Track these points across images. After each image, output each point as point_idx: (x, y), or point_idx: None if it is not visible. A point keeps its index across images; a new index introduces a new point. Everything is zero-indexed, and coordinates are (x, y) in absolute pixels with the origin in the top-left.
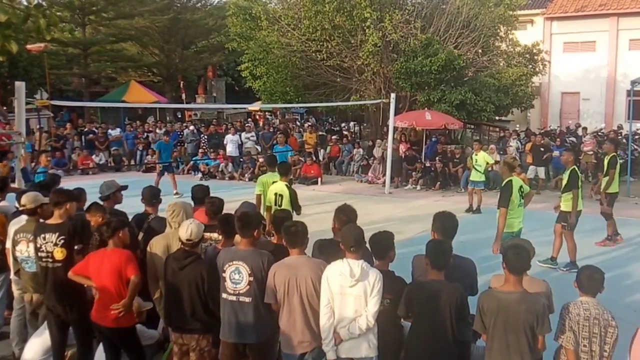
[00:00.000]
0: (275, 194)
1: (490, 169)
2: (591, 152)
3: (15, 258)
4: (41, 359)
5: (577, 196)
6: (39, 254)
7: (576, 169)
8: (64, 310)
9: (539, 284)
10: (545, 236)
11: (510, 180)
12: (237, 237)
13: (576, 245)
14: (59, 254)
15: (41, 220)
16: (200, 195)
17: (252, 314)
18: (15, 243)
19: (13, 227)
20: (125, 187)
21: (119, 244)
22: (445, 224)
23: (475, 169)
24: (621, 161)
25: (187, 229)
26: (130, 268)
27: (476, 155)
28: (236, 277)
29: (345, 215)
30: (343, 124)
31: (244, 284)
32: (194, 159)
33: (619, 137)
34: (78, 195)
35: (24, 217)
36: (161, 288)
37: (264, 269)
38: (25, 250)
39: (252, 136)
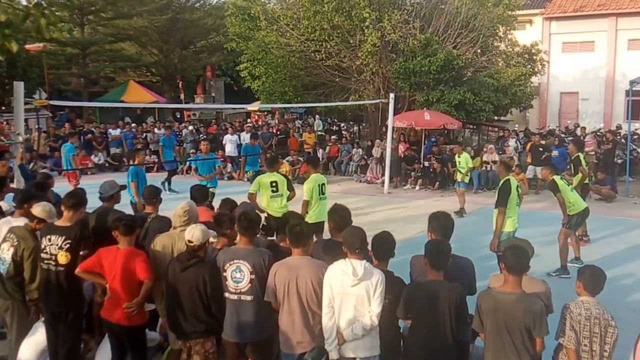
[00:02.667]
0: (319, 184)
1: (489, 168)
2: (592, 152)
3: None
4: None
5: (561, 198)
6: (42, 255)
7: (555, 179)
8: (59, 316)
9: (538, 284)
10: (544, 236)
11: (508, 180)
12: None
13: (569, 249)
14: (63, 258)
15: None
16: (199, 195)
17: (253, 312)
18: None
19: (5, 226)
20: (124, 187)
21: (132, 241)
22: (441, 224)
23: (459, 171)
24: (619, 161)
25: (190, 231)
26: (144, 270)
27: (459, 157)
28: (237, 276)
29: (339, 216)
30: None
31: (246, 282)
32: (188, 159)
33: (618, 137)
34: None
35: (11, 219)
36: (163, 289)
37: (265, 267)
38: (7, 250)
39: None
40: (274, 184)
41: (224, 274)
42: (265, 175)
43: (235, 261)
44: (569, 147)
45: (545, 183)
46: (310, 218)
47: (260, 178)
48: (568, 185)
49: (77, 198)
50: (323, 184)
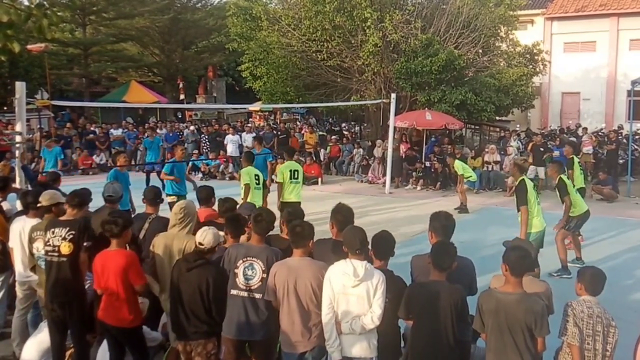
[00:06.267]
0: (291, 170)
1: (490, 168)
2: (590, 152)
3: (32, 254)
4: None
5: (569, 202)
6: (46, 248)
7: (563, 177)
8: (63, 308)
9: (539, 285)
10: (545, 235)
11: (523, 180)
12: (242, 237)
13: (575, 245)
14: (66, 248)
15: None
16: (204, 195)
17: (264, 309)
18: (32, 240)
19: (16, 224)
20: None
21: (122, 243)
22: (442, 224)
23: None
24: (621, 161)
25: (202, 234)
26: (135, 275)
27: (453, 168)
28: (249, 273)
29: (342, 215)
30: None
31: (257, 280)
32: (191, 159)
33: (620, 137)
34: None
35: (26, 218)
36: (164, 288)
37: None
38: (42, 247)
39: None
40: (256, 177)
41: (235, 270)
42: (247, 168)
43: (248, 258)
44: (564, 149)
45: (546, 183)
46: (283, 198)
47: (245, 170)
48: (573, 187)
49: (81, 197)
50: (296, 170)
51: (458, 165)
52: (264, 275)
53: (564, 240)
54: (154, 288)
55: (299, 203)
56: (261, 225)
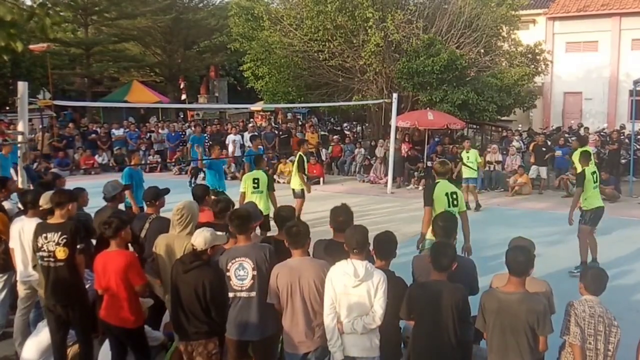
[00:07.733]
0: (253, 179)
1: (492, 168)
2: (594, 152)
3: (35, 253)
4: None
5: (578, 192)
6: (40, 253)
7: (586, 170)
8: (65, 310)
9: (539, 284)
10: (546, 236)
11: (437, 182)
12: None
13: (591, 246)
14: (61, 253)
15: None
16: (201, 194)
17: (257, 308)
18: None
19: (16, 224)
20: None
21: (121, 244)
22: (445, 224)
23: (468, 166)
24: (623, 161)
25: (194, 236)
26: (135, 275)
27: (467, 152)
28: (241, 273)
29: (339, 217)
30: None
31: (249, 279)
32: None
33: (622, 137)
34: (77, 195)
35: (24, 218)
36: (166, 290)
37: (268, 261)
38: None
39: None
40: (255, 181)
41: (228, 273)
42: (250, 174)
43: (237, 259)
44: (572, 143)
45: (548, 183)
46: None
47: (247, 177)
48: (594, 182)
49: (61, 196)
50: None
51: (474, 153)
52: (254, 273)
53: (586, 235)
54: (156, 289)
55: (302, 190)
56: (234, 224)
